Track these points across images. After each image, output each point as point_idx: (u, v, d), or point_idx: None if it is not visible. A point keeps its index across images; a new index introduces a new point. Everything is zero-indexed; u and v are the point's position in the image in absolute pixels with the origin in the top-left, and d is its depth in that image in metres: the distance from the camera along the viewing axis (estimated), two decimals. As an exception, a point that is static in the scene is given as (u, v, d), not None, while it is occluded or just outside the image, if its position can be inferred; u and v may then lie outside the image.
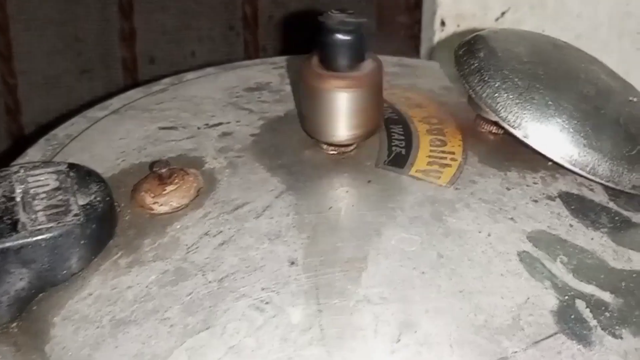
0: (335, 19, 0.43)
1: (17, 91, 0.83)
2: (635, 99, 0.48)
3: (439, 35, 0.82)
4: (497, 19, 0.81)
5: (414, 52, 0.85)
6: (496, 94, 0.45)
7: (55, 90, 0.84)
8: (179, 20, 0.86)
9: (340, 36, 0.43)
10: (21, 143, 0.83)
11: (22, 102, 0.84)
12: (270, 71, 0.57)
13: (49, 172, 0.44)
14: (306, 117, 0.46)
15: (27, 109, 0.84)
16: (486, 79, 0.46)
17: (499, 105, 0.45)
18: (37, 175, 0.44)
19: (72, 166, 0.44)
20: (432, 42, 0.84)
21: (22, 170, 0.44)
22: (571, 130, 0.45)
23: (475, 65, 0.47)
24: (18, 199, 0.42)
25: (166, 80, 0.59)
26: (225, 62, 0.62)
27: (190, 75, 0.59)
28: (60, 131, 0.54)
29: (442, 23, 0.82)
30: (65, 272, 0.41)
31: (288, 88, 0.54)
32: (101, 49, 0.84)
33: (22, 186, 0.43)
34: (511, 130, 0.45)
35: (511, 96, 0.45)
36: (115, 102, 0.57)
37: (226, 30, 0.87)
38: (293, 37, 0.87)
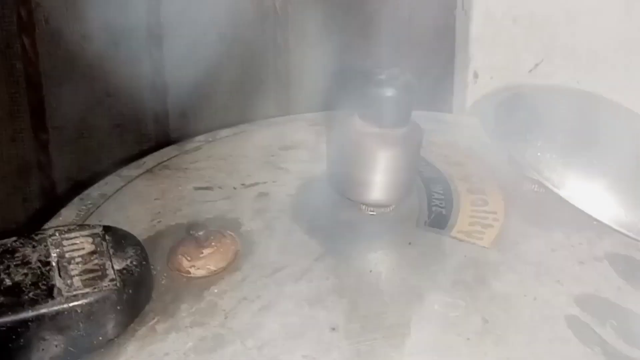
0: (384, 75, 0.42)
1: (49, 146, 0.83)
2: None
3: (471, 87, 0.81)
4: (530, 71, 0.80)
5: (446, 105, 0.84)
6: (539, 154, 0.45)
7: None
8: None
9: (395, 92, 0.42)
10: (53, 199, 0.83)
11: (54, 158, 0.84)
12: (305, 128, 0.57)
13: (84, 235, 0.43)
14: (344, 176, 0.45)
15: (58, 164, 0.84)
16: (528, 138, 0.45)
17: (542, 164, 0.44)
18: (72, 238, 0.43)
19: (107, 229, 0.43)
20: (464, 95, 0.83)
21: (57, 234, 0.43)
22: (618, 190, 0.44)
23: (517, 124, 0.46)
24: (53, 264, 0.41)
25: (200, 137, 0.59)
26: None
27: (224, 133, 0.59)
28: (94, 190, 0.53)
29: (475, 75, 0.81)
30: (100, 338, 0.40)
31: (323, 147, 0.53)
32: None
33: (58, 250, 0.42)
34: (555, 190, 0.44)
35: (554, 156, 0.44)
36: (149, 160, 0.56)
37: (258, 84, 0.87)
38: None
